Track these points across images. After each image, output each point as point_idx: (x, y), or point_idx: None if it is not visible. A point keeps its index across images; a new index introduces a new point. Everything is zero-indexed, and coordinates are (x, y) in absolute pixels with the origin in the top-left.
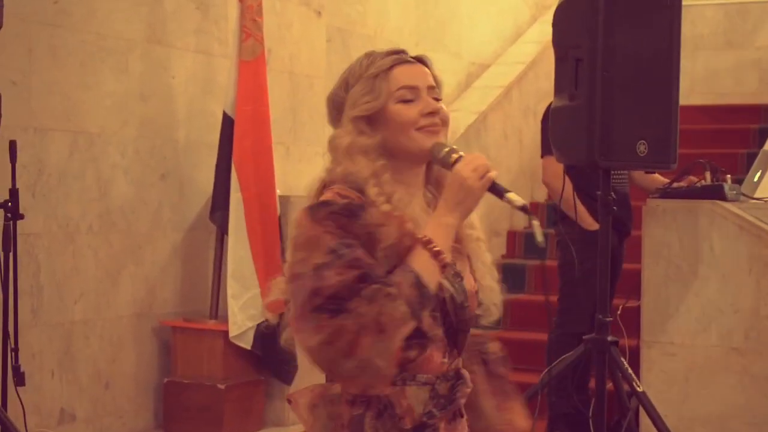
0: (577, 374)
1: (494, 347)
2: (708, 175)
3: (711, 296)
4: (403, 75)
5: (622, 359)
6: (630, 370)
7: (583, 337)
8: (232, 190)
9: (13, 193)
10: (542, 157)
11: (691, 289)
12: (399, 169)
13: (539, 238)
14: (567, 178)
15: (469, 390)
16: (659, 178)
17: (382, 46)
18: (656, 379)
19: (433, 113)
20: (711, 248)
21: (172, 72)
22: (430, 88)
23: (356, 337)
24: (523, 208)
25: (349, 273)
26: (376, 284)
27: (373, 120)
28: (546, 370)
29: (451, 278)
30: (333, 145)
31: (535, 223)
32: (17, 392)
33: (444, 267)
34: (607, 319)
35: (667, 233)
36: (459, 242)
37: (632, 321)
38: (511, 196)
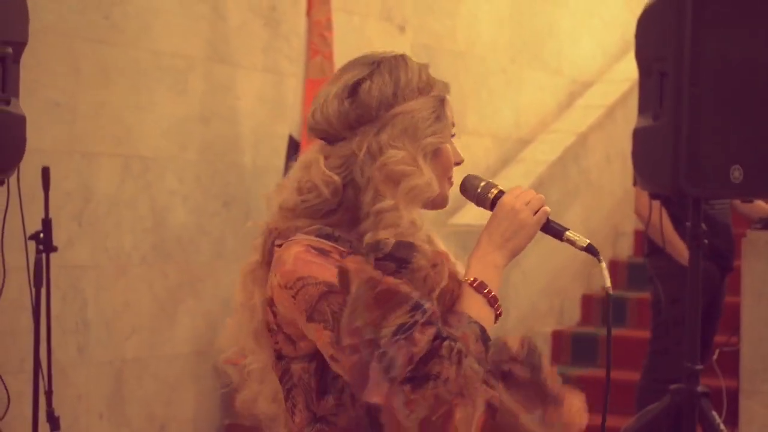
0: (669, 427)
1: (513, 347)
2: None
3: None
4: (449, 105)
5: (714, 414)
6: (722, 427)
7: (670, 387)
8: None
9: (46, 223)
10: (634, 185)
11: None
12: None
13: (606, 282)
14: (656, 206)
15: None
16: (763, 206)
17: (474, 63)
18: None
19: (459, 164)
20: None
21: (237, 92)
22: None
23: (451, 408)
24: (588, 249)
25: (431, 329)
26: (447, 340)
27: (435, 153)
28: (627, 425)
29: None
30: (389, 172)
31: (603, 265)
32: None
33: (498, 317)
34: (697, 368)
35: None
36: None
37: (735, 360)
38: (572, 235)
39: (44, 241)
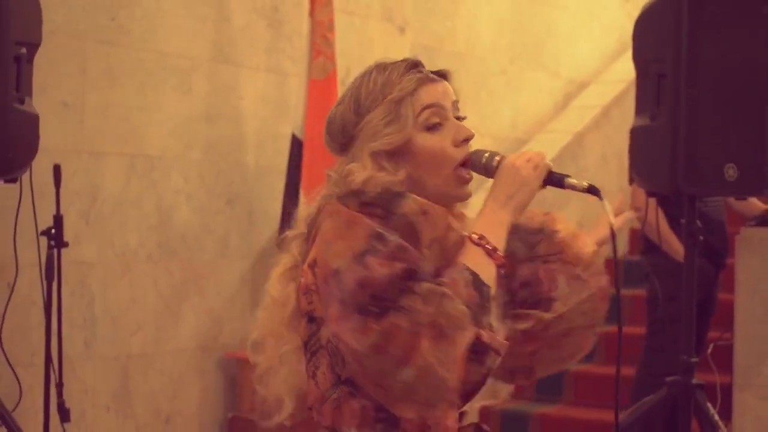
0: (665, 418)
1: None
2: None
3: None
4: (425, 96)
5: (709, 405)
6: (716, 417)
7: (666, 378)
8: None
9: (57, 219)
10: (630, 183)
11: None
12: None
13: (611, 219)
14: (652, 204)
15: None
16: (758, 204)
17: (474, 64)
18: (751, 426)
19: (467, 140)
20: None
21: (240, 92)
22: (455, 104)
23: (414, 339)
24: (590, 190)
25: (395, 265)
26: (427, 282)
27: (396, 154)
28: (625, 413)
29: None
30: (345, 183)
31: (605, 202)
32: (63, 429)
33: (500, 267)
34: (693, 360)
35: (764, 265)
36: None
37: (728, 356)
38: (572, 180)
39: (55, 237)
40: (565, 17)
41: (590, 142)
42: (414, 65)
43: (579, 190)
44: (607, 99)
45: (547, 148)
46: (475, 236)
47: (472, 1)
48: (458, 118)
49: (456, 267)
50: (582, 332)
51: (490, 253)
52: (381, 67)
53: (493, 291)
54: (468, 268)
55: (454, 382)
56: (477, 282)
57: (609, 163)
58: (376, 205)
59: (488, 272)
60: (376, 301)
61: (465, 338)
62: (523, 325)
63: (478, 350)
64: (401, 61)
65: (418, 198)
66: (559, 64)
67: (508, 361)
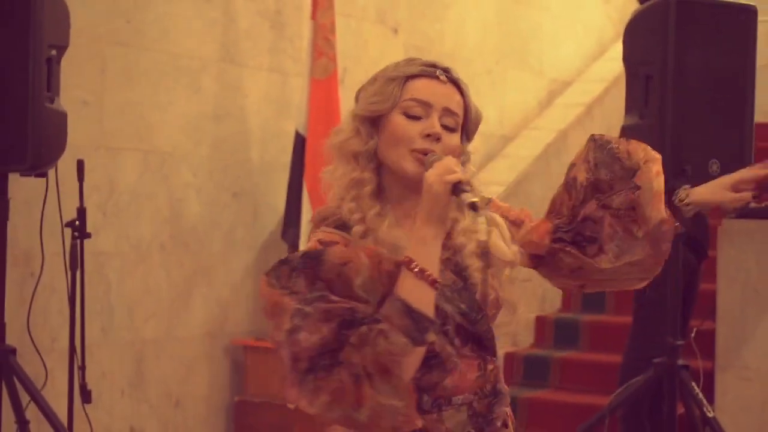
0: (652, 398)
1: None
2: None
3: None
4: (420, 87)
5: (693, 384)
6: (701, 395)
7: (653, 360)
8: (304, 210)
9: (81, 212)
10: None
11: None
12: (391, 187)
13: (482, 236)
14: None
15: (506, 409)
16: None
17: (461, 64)
18: (732, 405)
19: (431, 136)
20: None
21: (245, 91)
22: (447, 111)
23: (357, 387)
24: (471, 205)
25: (325, 327)
26: (364, 326)
27: (374, 123)
28: (614, 394)
29: (448, 297)
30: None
31: (480, 219)
32: (84, 410)
33: (433, 283)
34: (678, 343)
35: (743, 255)
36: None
37: (708, 343)
38: (467, 196)
39: (79, 228)
40: (548, 19)
41: (573, 139)
42: (432, 65)
43: (466, 204)
44: (589, 97)
45: (532, 144)
46: (404, 260)
47: (460, 5)
48: (445, 127)
49: (390, 300)
50: (628, 283)
51: (419, 275)
52: (410, 59)
53: (428, 308)
54: (400, 298)
55: (407, 406)
56: (408, 309)
57: None
58: (303, 267)
59: (421, 293)
60: (318, 364)
61: (408, 364)
62: (567, 259)
63: (435, 357)
64: (427, 60)
65: (339, 249)
66: (542, 64)
67: (558, 284)
